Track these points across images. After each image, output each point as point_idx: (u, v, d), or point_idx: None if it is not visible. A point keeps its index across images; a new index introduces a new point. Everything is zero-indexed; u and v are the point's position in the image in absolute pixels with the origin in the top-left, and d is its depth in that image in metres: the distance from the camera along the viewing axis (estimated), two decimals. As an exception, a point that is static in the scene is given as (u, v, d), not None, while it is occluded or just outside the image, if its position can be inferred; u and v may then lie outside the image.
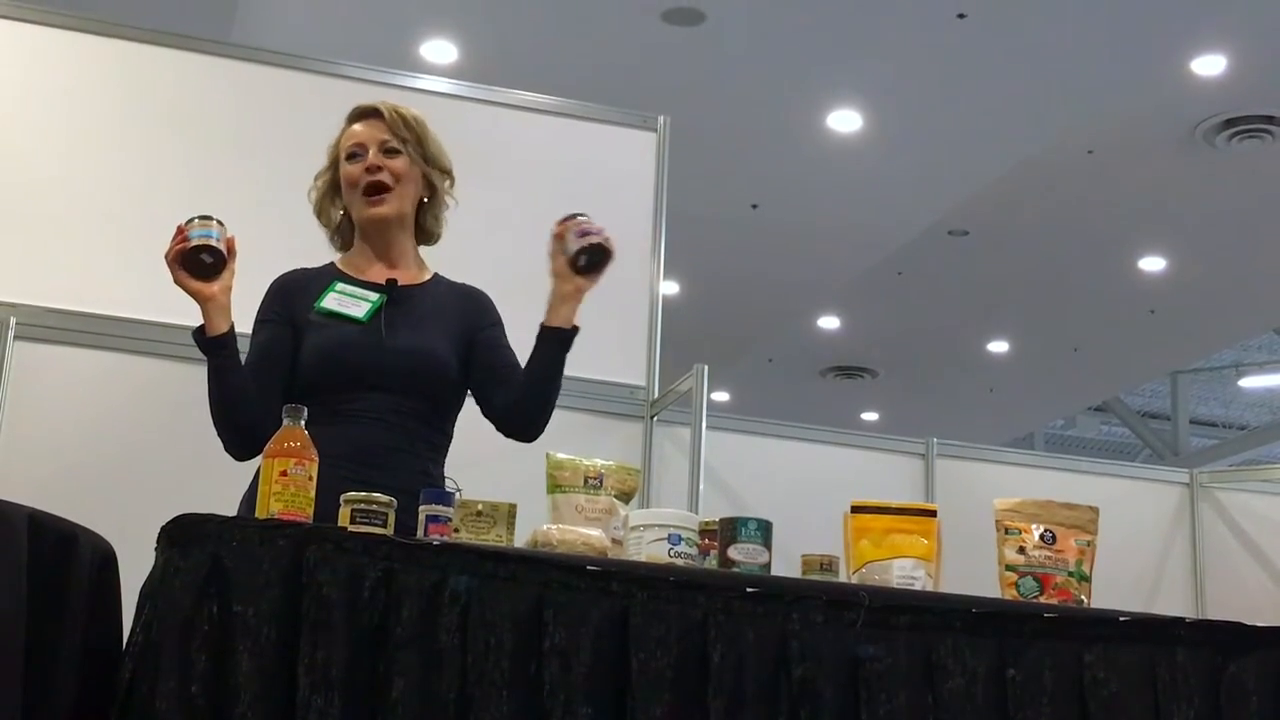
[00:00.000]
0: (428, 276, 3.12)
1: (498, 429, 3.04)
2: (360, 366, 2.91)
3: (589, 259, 2.89)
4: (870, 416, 14.52)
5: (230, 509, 2.08)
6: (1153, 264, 10.63)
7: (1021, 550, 2.57)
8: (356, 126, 3.09)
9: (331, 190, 3.12)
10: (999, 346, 12.59)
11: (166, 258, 2.79)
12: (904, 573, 2.47)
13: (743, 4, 7.44)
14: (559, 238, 2.91)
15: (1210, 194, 9.45)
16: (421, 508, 2.32)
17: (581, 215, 2.92)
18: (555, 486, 2.56)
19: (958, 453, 5.77)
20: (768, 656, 2.17)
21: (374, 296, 3.00)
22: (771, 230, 9.80)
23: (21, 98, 4.43)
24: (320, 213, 3.15)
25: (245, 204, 4.56)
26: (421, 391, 2.95)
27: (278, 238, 4.54)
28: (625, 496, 2.59)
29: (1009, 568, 2.57)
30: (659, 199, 4.94)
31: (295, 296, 3.01)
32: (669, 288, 8.10)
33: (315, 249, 4.45)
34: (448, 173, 3.14)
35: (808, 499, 4.08)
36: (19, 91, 4.43)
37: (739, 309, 10.74)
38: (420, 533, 2.28)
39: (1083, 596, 2.55)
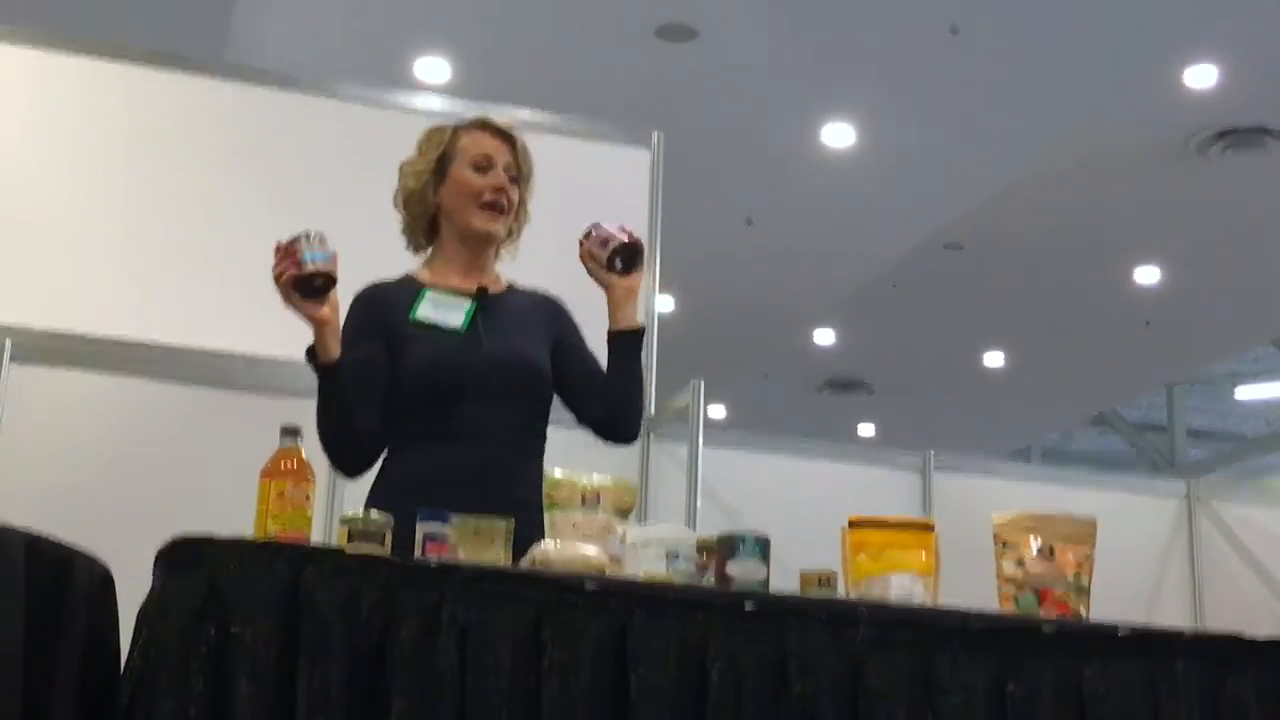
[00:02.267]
0: (505, 285, 3.14)
1: (596, 435, 3.10)
2: (466, 375, 2.91)
3: (624, 260, 2.97)
4: (867, 431, 14.52)
5: (228, 530, 2.07)
6: (1148, 275, 10.64)
7: (1019, 564, 2.56)
8: (487, 140, 3.08)
9: (433, 181, 3.08)
10: (995, 360, 12.60)
11: (277, 279, 2.72)
12: (902, 587, 2.46)
13: (736, 20, 7.45)
14: (588, 257, 2.99)
15: (1204, 205, 9.46)
16: (419, 526, 2.31)
17: (594, 226, 3.00)
18: (552, 504, 2.56)
19: (955, 466, 5.78)
20: (767, 673, 2.17)
21: (467, 304, 3.00)
22: (766, 245, 9.81)
23: (21, 119, 4.43)
24: (410, 199, 3.11)
25: (243, 223, 4.57)
26: (525, 398, 2.98)
27: (269, 255, 4.55)
28: (623, 514, 2.58)
29: (1007, 581, 2.56)
30: (653, 215, 4.95)
31: (384, 309, 2.98)
32: (664, 304, 8.11)
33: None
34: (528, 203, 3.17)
35: (805, 514, 4.07)
36: (18, 113, 4.44)
37: (734, 325, 10.74)
38: (416, 551, 2.28)
39: (1081, 609, 2.54)
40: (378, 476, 2.94)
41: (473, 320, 2.99)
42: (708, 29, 7.52)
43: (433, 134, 3.13)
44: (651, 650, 2.13)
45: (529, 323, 3.08)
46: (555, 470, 2.61)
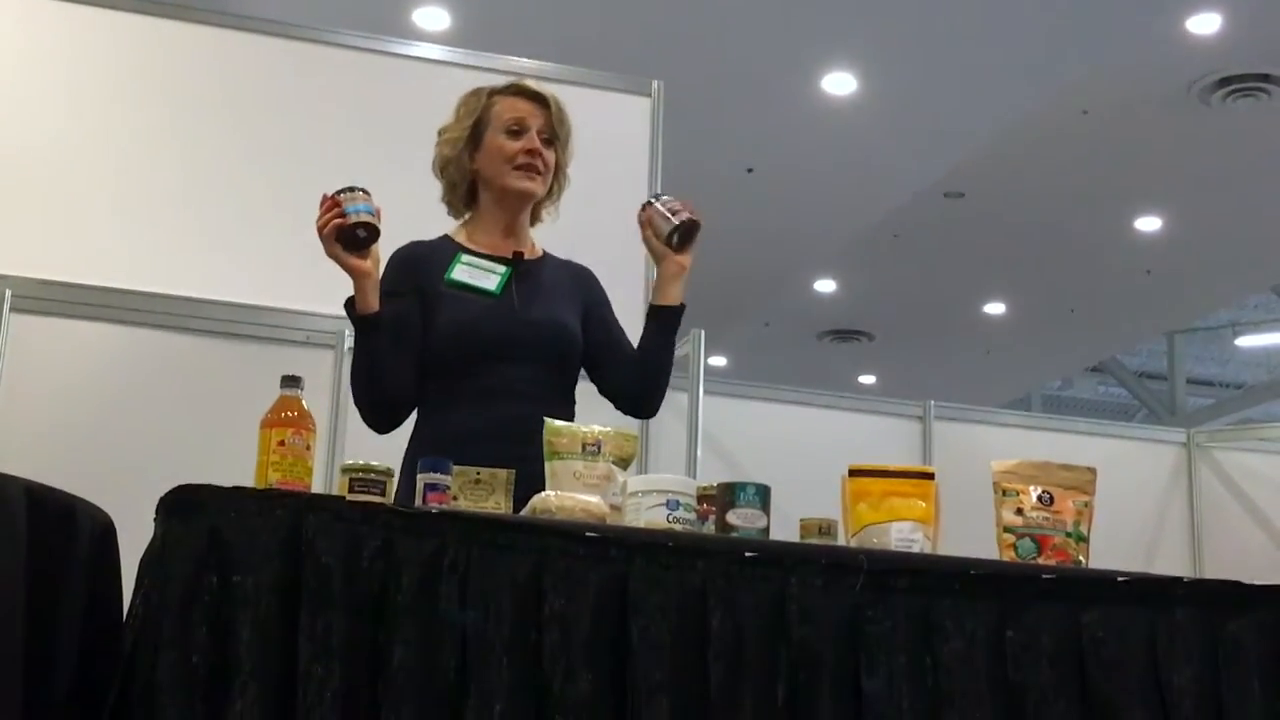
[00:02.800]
0: (540, 252, 3.17)
1: (616, 406, 3.15)
2: (497, 337, 2.96)
3: (681, 236, 3.01)
4: (868, 379, 14.52)
5: (228, 480, 2.08)
6: (1149, 224, 10.61)
7: (1019, 512, 2.57)
8: (521, 104, 3.10)
9: (468, 148, 3.10)
10: (996, 308, 12.58)
11: (320, 230, 2.76)
12: (902, 535, 2.47)
13: (736, -33, 7.41)
14: (648, 224, 3.03)
15: (1206, 153, 9.42)
16: (419, 476, 2.32)
17: (663, 196, 3.04)
18: (553, 453, 2.56)
19: (955, 415, 5.79)
20: (767, 621, 2.17)
21: (501, 269, 3.04)
22: (767, 194, 9.78)
23: (13, 68, 4.41)
24: (447, 167, 3.13)
25: (241, 171, 4.56)
26: (555, 362, 3.03)
27: (270, 205, 4.55)
28: (623, 462, 2.59)
29: (1007, 529, 2.57)
30: (654, 163, 4.93)
31: (420, 268, 3.01)
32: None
33: (307, 215, 4.45)
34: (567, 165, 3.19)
35: (805, 463, 4.08)
36: (10, 62, 4.42)
37: (735, 274, 10.71)
38: (418, 501, 2.29)
39: (1080, 557, 2.55)
40: (412, 434, 2.98)
41: (507, 284, 3.02)
42: (708, -25, 7.47)
43: (468, 100, 3.15)
44: (652, 598, 2.13)
45: (561, 289, 3.12)
46: (555, 420, 2.61)
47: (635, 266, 4.57)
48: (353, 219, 2.74)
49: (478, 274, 3.02)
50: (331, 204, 2.76)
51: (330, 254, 2.79)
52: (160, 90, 4.55)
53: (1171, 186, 10.01)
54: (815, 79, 8.52)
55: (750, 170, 9.65)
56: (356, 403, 2.95)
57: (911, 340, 13.32)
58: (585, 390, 3.13)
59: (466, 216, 3.16)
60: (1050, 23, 7.72)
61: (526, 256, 3.11)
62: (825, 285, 12.21)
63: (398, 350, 2.91)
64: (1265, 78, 8.41)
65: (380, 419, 2.96)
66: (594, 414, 2.97)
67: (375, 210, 2.76)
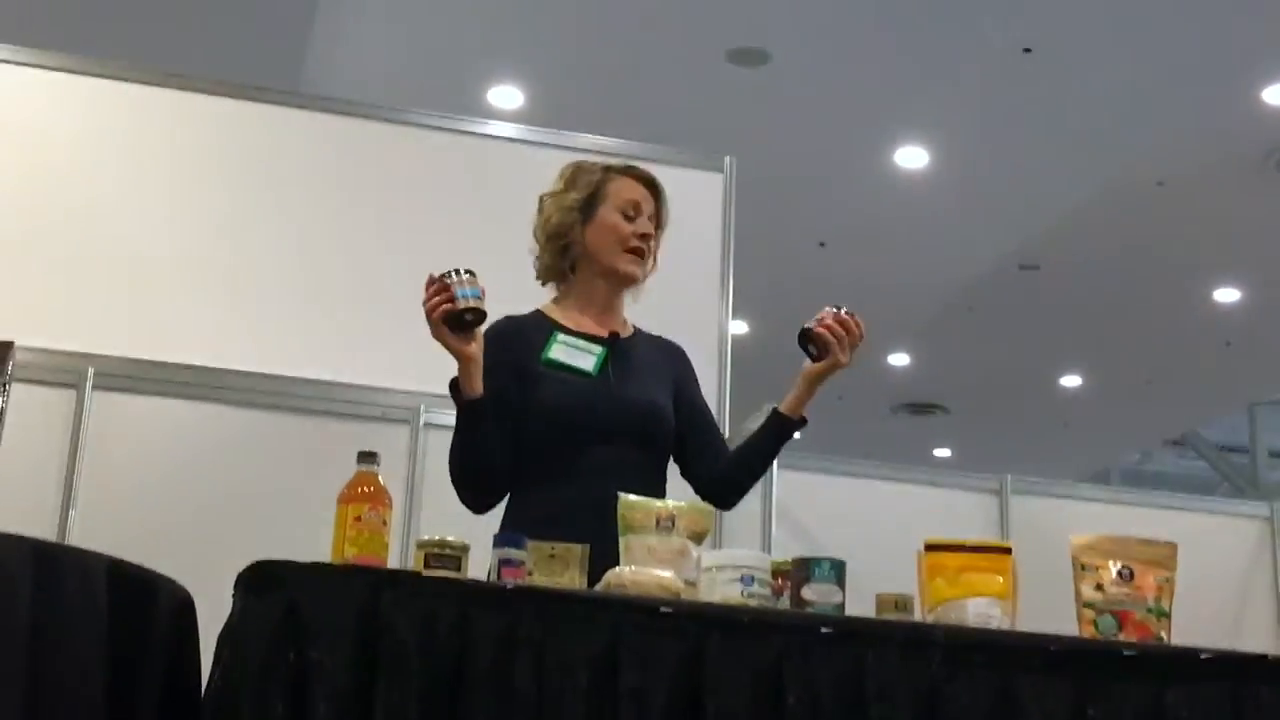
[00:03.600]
0: (632, 329, 3.19)
1: (696, 492, 3.12)
2: (596, 418, 2.97)
3: (815, 349, 3.01)
4: (943, 453, 14.42)
5: (307, 556, 2.09)
6: (1227, 295, 10.52)
7: (1099, 587, 2.54)
8: (638, 187, 3.13)
9: (580, 218, 3.11)
10: (1072, 381, 12.49)
11: (429, 313, 2.76)
12: (980, 611, 2.44)
13: (808, 43, 7.45)
14: (828, 329, 3.01)
15: (1281, 221, 9.35)
16: (494, 551, 2.32)
17: (830, 309, 3.02)
18: (627, 528, 2.56)
19: (1032, 489, 5.73)
20: (843, 696, 2.15)
21: (597, 349, 3.05)
22: (840, 268, 9.79)
23: (89, 149, 4.51)
24: (553, 235, 3.12)
25: (320, 249, 4.63)
26: (651, 442, 3.04)
27: (348, 282, 4.60)
28: (698, 538, 2.58)
29: (1086, 605, 2.54)
30: (726, 239, 4.95)
31: (516, 345, 3.01)
32: (738, 328, 8.10)
33: (384, 292, 4.51)
34: None
35: (881, 537, 4.05)
36: (86, 142, 4.52)
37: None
38: (494, 576, 2.29)
39: (1162, 633, 2.51)
40: (505, 514, 2.98)
41: (604, 364, 3.04)
42: (779, 52, 7.53)
43: (581, 172, 3.16)
44: (727, 674, 2.12)
45: (655, 368, 3.13)
46: (630, 494, 2.61)
47: (707, 343, 4.59)
48: (461, 303, 2.74)
49: (575, 354, 3.03)
50: (440, 287, 2.75)
51: (437, 337, 2.78)
52: (241, 171, 4.64)
53: (1249, 257, 9.92)
54: (888, 153, 8.54)
55: (822, 244, 9.67)
56: (456, 484, 2.95)
57: (987, 413, 13.23)
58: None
59: (559, 289, 3.17)
60: (1124, 93, 7.71)
61: (621, 335, 3.12)
62: (899, 359, 12.17)
63: (500, 429, 2.92)
64: (1341, 147, 8.36)
65: (481, 499, 2.97)
66: (669, 486, 2.98)
67: (482, 292, 2.75)
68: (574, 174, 3.16)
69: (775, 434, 3.10)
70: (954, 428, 13.70)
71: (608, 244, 3.09)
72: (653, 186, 3.15)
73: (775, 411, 3.09)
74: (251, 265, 4.58)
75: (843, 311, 3.02)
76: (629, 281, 3.12)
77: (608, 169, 3.16)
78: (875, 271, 9.92)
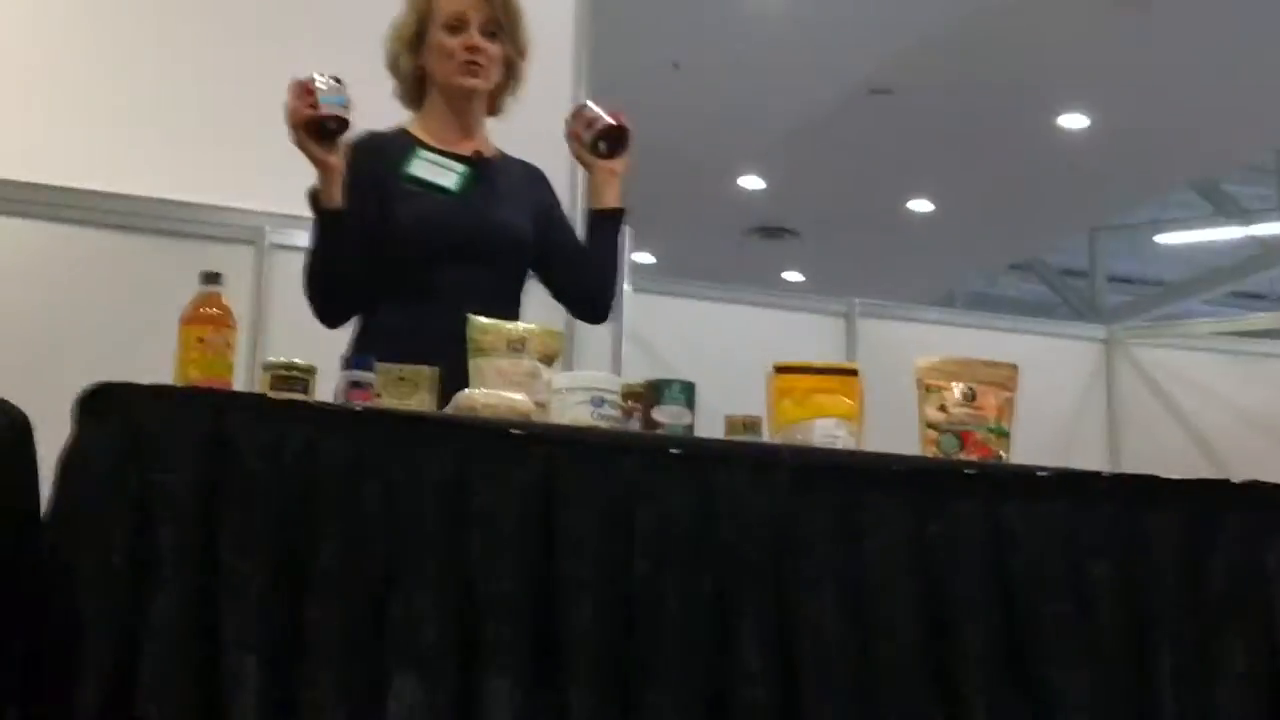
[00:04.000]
0: (496, 151, 3.14)
1: (569, 310, 3.19)
2: (454, 237, 2.95)
3: (608, 144, 3.02)
4: (794, 277, 14.55)
5: (148, 379, 2.05)
6: (1073, 121, 10.65)
7: (942, 408, 2.59)
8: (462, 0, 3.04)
9: (414, 44, 3.07)
10: (921, 205, 12.62)
11: (290, 117, 2.70)
12: (826, 432, 2.48)
13: None
14: (573, 137, 3.04)
15: (1131, 51, 9.43)
16: (342, 373, 2.30)
17: (581, 106, 3.05)
18: (477, 350, 2.55)
19: (880, 312, 5.81)
20: (692, 517, 2.18)
21: (459, 168, 3.02)
22: (694, 90, 9.71)
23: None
24: (395, 63, 3.10)
25: (155, 60, 4.47)
26: (510, 266, 3.04)
27: (193, 98, 4.46)
28: (549, 360, 2.58)
29: (930, 425, 2.59)
30: (578, 57, 4.88)
31: (376, 160, 2.96)
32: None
33: (227, 106, 4.38)
34: (525, 53, 3.15)
35: (731, 360, 4.09)
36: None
37: (662, 171, 10.67)
38: (342, 398, 2.27)
39: (1002, 452, 2.58)
40: (359, 330, 2.97)
41: (464, 182, 3.00)
42: None
43: (414, 2, 3.10)
44: (577, 495, 2.13)
45: (517, 191, 3.11)
46: (480, 319, 2.60)
47: (560, 163, 4.54)
48: (325, 110, 2.68)
49: (436, 171, 3.00)
50: (303, 91, 2.69)
51: (298, 144, 2.73)
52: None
53: (1096, 83, 10.03)
54: (742, -27, 8.45)
55: (676, 66, 9.58)
56: (310, 295, 2.92)
57: (838, 237, 13.33)
58: (537, 292, 3.13)
59: (420, 110, 3.12)
60: (978, -83, 7.68)
61: (484, 154, 3.09)
62: (752, 182, 12.18)
63: (358, 244, 2.88)
64: (1190, -27, 8.43)
65: (335, 313, 2.95)
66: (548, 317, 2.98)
67: (348, 101, 2.70)
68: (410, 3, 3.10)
69: (602, 231, 3.11)
70: (804, 251, 13.79)
71: (441, 64, 3.05)
72: None
73: (593, 212, 3.11)
74: (92, 81, 4.41)
75: (599, 104, 3.06)
76: (469, 95, 3.06)
77: None
78: (728, 94, 9.87)
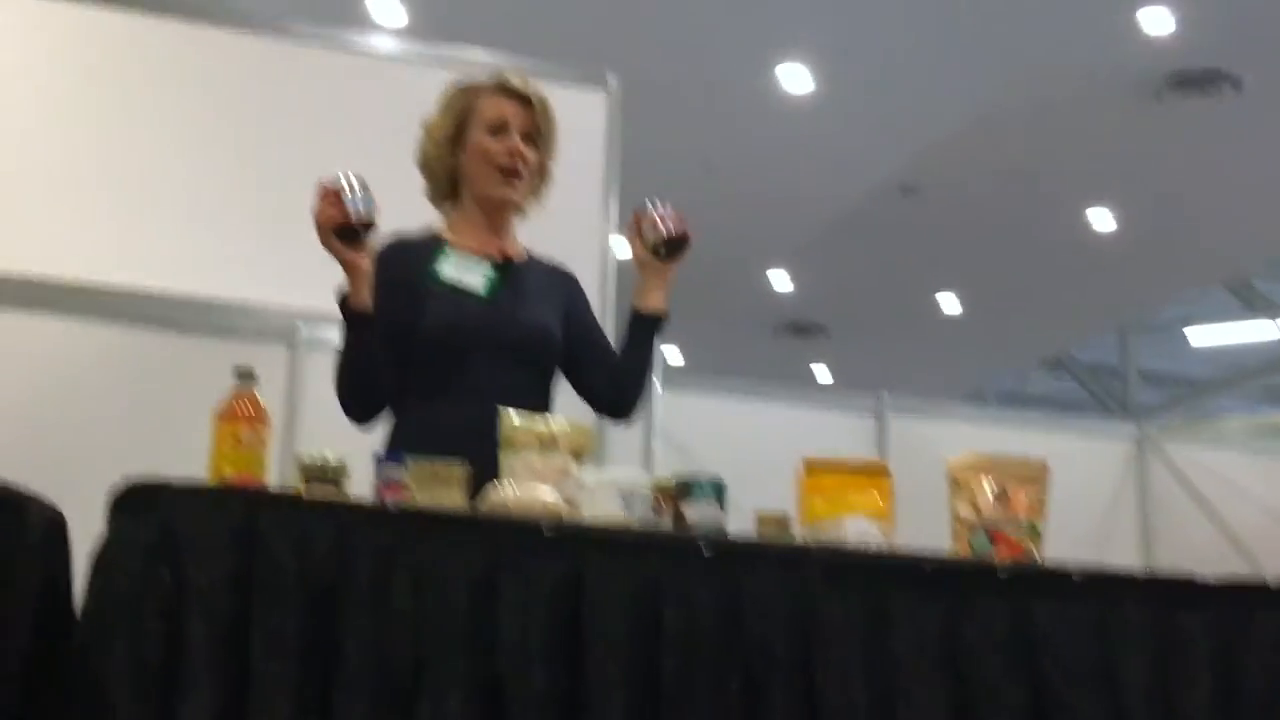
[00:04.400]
0: (526, 255, 3.16)
1: (594, 409, 3.15)
2: (483, 336, 2.95)
3: (669, 249, 3.00)
4: (823, 374, 14.55)
5: (182, 475, 2.06)
6: (1101, 219, 10.68)
7: (973, 506, 2.58)
8: (503, 102, 3.07)
9: (450, 145, 3.09)
10: (950, 303, 12.64)
11: (317, 220, 2.71)
12: (857, 530, 2.48)
13: (693, -39, 7.41)
14: (634, 230, 3.01)
15: (1159, 149, 9.49)
16: (375, 470, 2.31)
17: (657, 205, 3.00)
18: (509, 446, 2.55)
19: (909, 409, 5.81)
20: (722, 615, 2.17)
21: (487, 268, 3.03)
22: (723, 189, 9.78)
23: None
24: (429, 163, 3.12)
25: (189, 164, 4.53)
26: (539, 365, 3.04)
27: (222, 197, 4.52)
28: (579, 456, 2.58)
29: (961, 523, 2.58)
30: (611, 158, 4.93)
31: (405, 262, 2.99)
32: (621, 248, 8.09)
33: (258, 207, 4.43)
34: (555, 158, 3.17)
35: (761, 457, 4.09)
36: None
37: (691, 268, 10.68)
38: (374, 496, 2.28)
39: (1034, 551, 2.56)
40: (391, 427, 2.98)
41: (492, 284, 3.02)
42: (663, -33, 7.47)
43: (453, 96, 3.13)
44: (607, 593, 2.13)
45: (545, 292, 3.12)
46: (512, 414, 2.61)
47: (591, 264, 4.58)
48: (352, 213, 2.70)
49: (464, 271, 3.01)
50: (331, 195, 2.71)
51: (326, 246, 2.73)
52: (107, 81, 4.52)
53: (1124, 182, 10.07)
54: (770, 74, 8.53)
55: (706, 165, 9.66)
56: (341, 396, 2.93)
57: (866, 335, 13.35)
58: (566, 390, 3.14)
59: (450, 211, 3.15)
60: (1003, 18, 7.76)
61: (512, 258, 3.10)
62: (780, 280, 12.23)
63: (386, 345, 2.90)
64: (1217, 75, 8.48)
65: (365, 412, 2.96)
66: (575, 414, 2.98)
67: (375, 204, 2.72)
68: (447, 99, 3.13)
69: (642, 333, 3.09)
70: (834, 348, 13.81)
71: (479, 168, 3.07)
72: (524, 99, 3.09)
73: (636, 313, 3.09)
74: (126, 178, 4.47)
75: (664, 206, 3.02)
76: (504, 205, 3.10)
77: (477, 89, 3.11)
78: (758, 192, 9.94)
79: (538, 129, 3.09)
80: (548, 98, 3.13)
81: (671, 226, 2.98)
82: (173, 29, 4.64)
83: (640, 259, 3.04)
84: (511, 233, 3.16)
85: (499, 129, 3.06)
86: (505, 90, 3.10)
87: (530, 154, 3.08)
